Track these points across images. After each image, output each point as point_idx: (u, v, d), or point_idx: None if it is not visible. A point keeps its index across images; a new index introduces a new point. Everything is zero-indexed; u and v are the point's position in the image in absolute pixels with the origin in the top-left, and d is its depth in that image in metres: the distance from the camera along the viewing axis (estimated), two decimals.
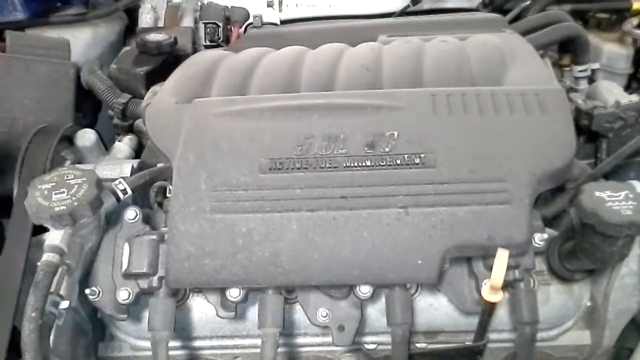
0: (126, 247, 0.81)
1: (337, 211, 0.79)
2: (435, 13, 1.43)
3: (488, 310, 0.79)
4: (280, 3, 1.52)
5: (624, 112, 1.00)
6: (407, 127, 0.85)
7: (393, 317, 0.79)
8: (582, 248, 0.78)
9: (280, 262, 0.77)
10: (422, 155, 0.82)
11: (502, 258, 0.72)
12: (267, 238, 0.78)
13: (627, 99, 1.04)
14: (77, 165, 0.91)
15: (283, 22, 1.49)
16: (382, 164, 0.82)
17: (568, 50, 1.27)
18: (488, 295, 0.77)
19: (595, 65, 1.25)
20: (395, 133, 0.84)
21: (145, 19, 1.31)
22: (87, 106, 1.20)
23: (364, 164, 0.82)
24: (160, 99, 0.99)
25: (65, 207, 0.76)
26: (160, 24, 1.33)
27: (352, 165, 0.82)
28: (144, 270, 0.79)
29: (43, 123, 1.03)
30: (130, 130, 1.12)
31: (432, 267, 0.77)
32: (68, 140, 0.99)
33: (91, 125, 1.20)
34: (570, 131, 0.85)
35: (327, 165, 0.82)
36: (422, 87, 0.95)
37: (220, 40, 1.32)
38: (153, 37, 1.15)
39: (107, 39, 1.36)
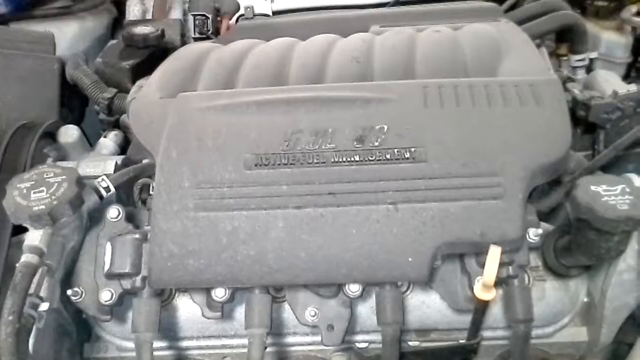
0: (108, 246, 0.78)
1: (325, 208, 0.77)
2: (429, 1, 1.40)
3: (481, 308, 0.77)
4: None
5: (621, 103, 0.97)
6: (397, 120, 0.83)
7: (383, 316, 0.77)
8: (577, 244, 0.76)
9: (266, 260, 0.75)
10: (413, 149, 0.79)
11: (494, 255, 0.70)
12: (252, 236, 0.76)
13: (625, 88, 1.01)
14: (59, 163, 0.89)
15: (275, 14, 1.46)
16: (371, 158, 0.79)
17: (565, 39, 1.24)
18: (480, 293, 0.74)
19: (594, 55, 1.22)
20: (385, 127, 0.82)
21: (133, 11, 1.28)
22: (74, 101, 1.17)
23: (352, 159, 0.79)
24: (145, 94, 0.96)
25: (44, 207, 0.74)
26: (149, 16, 1.30)
27: (341, 160, 0.80)
28: (127, 271, 0.77)
29: (27, 119, 1.00)
30: (116, 125, 1.09)
31: (422, 264, 0.74)
32: (51, 136, 0.97)
33: (78, 121, 1.18)
34: (566, 123, 0.82)
35: (315, 161, 0.80)
36: (414, 79, 0.93)
37: (210, 32, 1.29)
38: (140, 29, 1.12)
39: (95, 33, 1.33)
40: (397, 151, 0.79)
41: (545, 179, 0.81)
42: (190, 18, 1.28)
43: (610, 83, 1.05)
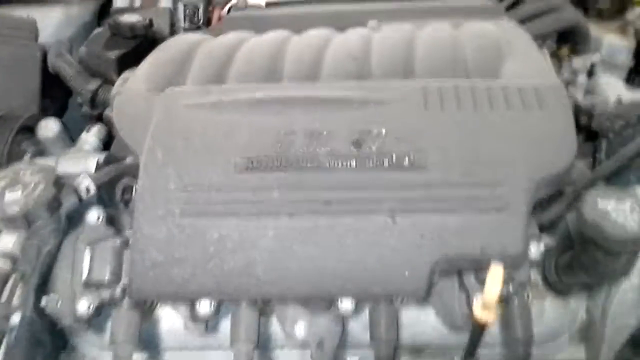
0: (87, 252, 0.74)
1: (319, 217, 0.72)
2: None
3: (480, 328, 0.73)
4: None
5: (626, 111, 0.94)
6: (395, 123, 0.79)
7: (377, 333, 0.73)
8: (581, 262, 0.72)
9: (254, 272, 0.71)
10: (412, 154, 0.75)
11: (496, 274, 0.66)
12: (241, 245, 0.71)
13: (628, 95, 0.97)
14: (37, 160, 0.83)
15: (268, 5, 1.40)
16: (368, 164, 0.75)
17: (567, 40, 1.20)
18: (480, 312, 0.71)
19: (596, 57, 1.18)
20: (383, 130, 0.78)
21: None
22: (56, 92, 1.11)
23: (348, 164, 0.75)
24: (131, 87, 0.91)
25: (18, 209, 0.69)
26: (137, 4, 1.25)
27: (336, 165, 0.75)
28: (106, 279, 0.72)
29: (6, 109, 0.95)
30: (100, 119, 1.04)
31: (420, 280, 0.71)
32: (29, 130, 0.91)
33: (60, 113, 1.13)
34: (571, 131, 0.78)
35: (309, 165, 0.75)
36: (413, 78, 0.89)
37: (201, 22, 1.24)
38: (126, 18, 1.07)
39: (81, 19, 1.28)
40: (396, 156, 0.75)
41: (549, 191, 0.77)
42: (181, 7, 1.22)
43: (614, 89, 1.01)
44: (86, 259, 0.74)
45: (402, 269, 0.71)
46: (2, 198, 0.70)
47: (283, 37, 1.03)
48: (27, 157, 0.85)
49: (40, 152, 0.89)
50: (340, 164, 0.75)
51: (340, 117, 0.79)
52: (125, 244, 0.74)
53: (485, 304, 0.67)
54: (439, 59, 0.92)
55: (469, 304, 0.74)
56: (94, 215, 0.76)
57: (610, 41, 1.22)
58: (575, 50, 1.19)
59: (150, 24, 1.10)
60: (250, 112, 0.80)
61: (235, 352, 0.72)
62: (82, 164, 0.83)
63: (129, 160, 0.83)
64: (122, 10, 1.19)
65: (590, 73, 1.21)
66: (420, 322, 0.80)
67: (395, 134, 0.77)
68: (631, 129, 0.95)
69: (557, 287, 0.79)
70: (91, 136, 0.94)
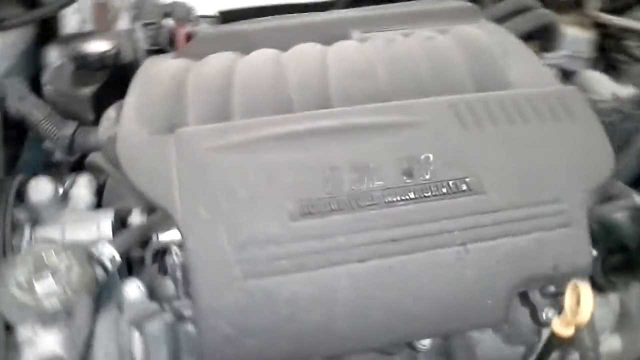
0: (137, 336, 0.64)
1: (391, 258, 0.68)
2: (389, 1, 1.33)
3: (557, 343, 0.73)
4: None
5: (624, 106, 0.97)
6: (438, 146, 0.75)
7: None
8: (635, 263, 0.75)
9: (334, 327, 0.65)
10: (467, 179, 0.73)
11: (587, 292, 0.66)
12: (316, 301, 0.65)
13: (618, 89, 1.02)
14: (37, 231, 0.71)
15: (223, 14, 1.31)
16: (427, 195, 0.71)
17: (535, 37, 1.23)
18: (560, 328, 0.71)
19: (564, 52, 1.22)
20: (430, 156, 0.74)
21: (70, 22, 1.07)
22: (10, 138, 0.96)
23: (407, 197, 0.71)
24: (127, 129, 0.80)
25: (58, 301, 0.58)
26: (88, 26, 1.10)
27: (394, 200, 0.71)
28: None
29: None
30: (78, 167, 0.91)
31: (500, 307, 0.69)
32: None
33: (14, 162, 0.97)
34: (604, 137, 0.80)
35: (367, 203, 0.70)
36: (428, 95, 0.86)
37: (165, 43, 1.12)
38: (94, 47, 0.94)
39: (18, 47, 1.10)
40: (452, 183, 0.72)
41: (597, 200, 0.78)
42: (139, 27, 1.09)
43: (603, 84, 1.05)
44: (136, 343, 0.64)
45: (483, 299, 0.68)
46: (33, 290, 0.58)
47: (273, 57, 0.95)
48: (26, 230, 0.72)
49: (34, 218, 0.76)
50: (398, 198, 0.71)
51: (382, 145, 0.75)
52: (178, 317, 0.65)
53: (580, 321, 0.67)
54: (448, 73, 0.89)
55: (536, 319, 0.74)
56: (134, 291, 0.66)
57: (573, 35, 1.27)
58: (545, 48, 1.22)
59: (119, 51, 0.98)
60: (286, 149, 0.74)
61: None
62: (94, 229, 0.72)
63: (150, 218, 0.73)
64: (77, 36, 1.04)
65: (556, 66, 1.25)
66: (482, 343, 0.79)
67: (442, 158, 0.74)
68: (627, 121, 0.99)
69: (605, 286, 0.81)
70: (82, 190, 0.82)
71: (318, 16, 1.15)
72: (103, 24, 1.09)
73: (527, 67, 0.94)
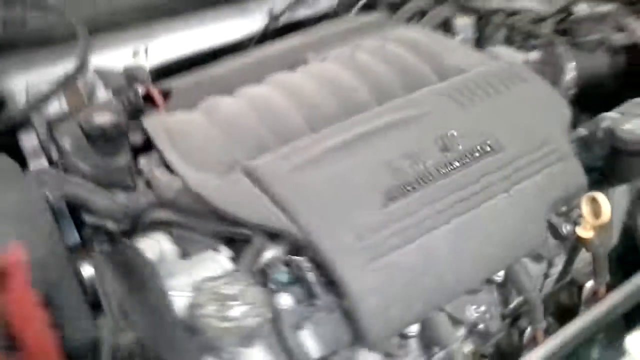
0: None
1: (466, 214, 0.86)
2: (307, 25, 1.48)
3: (580, 246, 0.96)
4: (146, 50, 1.39)
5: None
6: (454, 124, 0.95)
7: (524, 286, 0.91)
8: None
9: (448, 281, 0.82)
10: (488, 142, 0.93)
11: (603, 198, 0.90)
12: (426, 262, 0.81)
13: (525, 56, 1.29)
14: (176, 283, 0.76)
15: (154, 69, 1.36)
16: (468, 161, 0.90)
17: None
18: (583, 232, 0.94)
19: (460, 37, 1.48)
20: (454, 132, 0.93)
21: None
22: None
23: (455, 166, 0.89)
24: (195, 178, 0.88)
25: (259, 317, 0.66)
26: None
27: (447, 170, 0.89)
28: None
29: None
30: (131, 232, 0.94)
31: (542, 231, 0.91)
32: None
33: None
34: (554, 90, 1.06)
35: (431, 179, 0.87)
36: (409, 92, 1.04)
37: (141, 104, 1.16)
38: (99, 119, 0.96)
39: None
40: (480, 147, 0.92)
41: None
42: (116, 97, 1.13)
43: (514, 56, 1.31)
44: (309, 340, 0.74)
45: (530, 228, 0.89)
46: (226, 316, 0.66)
47: (265, 95, 1.06)
48: None
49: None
50: (449, 169, 0.89)
51: (412, 134, 0.93)
52: (329, 310, 0.77)
53: (602, 222, 0.90)
54: (418, 72, 1.10)
55: (558, 235, 0.95)
56: (287, 299, 0.76)
57: (460, 22, 1.55)
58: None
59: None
60: (346, 156, 0.88)
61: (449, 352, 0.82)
62: (216, 267, 0.80)
63: (257, 241, 0.82)
64: (62, 118, 1.05)
65: None
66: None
67: (461, 131, 0.93)
68: None
69: None
70: (167, 245, 0.87)
71: (267, 50, 1.28)
72: (78, 102, 1.11)
73: (465, 54, 1.18)
